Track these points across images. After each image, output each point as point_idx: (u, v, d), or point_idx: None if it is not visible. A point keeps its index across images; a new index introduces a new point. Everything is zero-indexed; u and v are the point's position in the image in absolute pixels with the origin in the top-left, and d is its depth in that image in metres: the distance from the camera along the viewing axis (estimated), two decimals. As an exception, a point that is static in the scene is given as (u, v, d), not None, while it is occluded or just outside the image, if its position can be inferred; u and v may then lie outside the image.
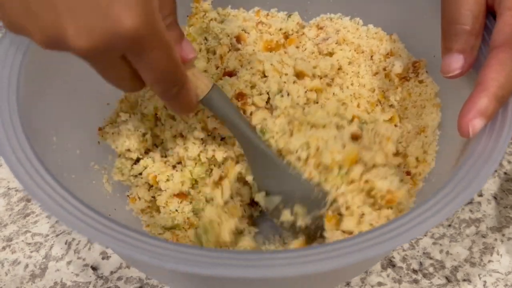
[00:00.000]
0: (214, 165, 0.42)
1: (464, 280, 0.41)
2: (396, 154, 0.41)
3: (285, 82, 0.42)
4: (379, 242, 0.26)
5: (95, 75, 0.33)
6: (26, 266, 0.42)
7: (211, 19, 0.48)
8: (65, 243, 0.44)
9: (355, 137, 0.39)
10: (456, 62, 0.32)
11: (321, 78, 0.44)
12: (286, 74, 0.42)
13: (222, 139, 0.42)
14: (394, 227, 0.26)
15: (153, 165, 0.42)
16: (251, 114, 0.40)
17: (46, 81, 0.37)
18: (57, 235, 0.44)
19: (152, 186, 0.43)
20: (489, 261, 0.42)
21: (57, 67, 0.38)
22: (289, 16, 0.50)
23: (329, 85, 0.45)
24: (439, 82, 0.43)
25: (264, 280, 0.27)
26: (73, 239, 0.44)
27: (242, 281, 0.29)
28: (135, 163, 0.43)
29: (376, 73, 0.46)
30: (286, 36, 0.49)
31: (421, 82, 0.44)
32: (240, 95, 0.41)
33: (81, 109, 0.42)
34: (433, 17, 0.36)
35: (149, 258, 0.25)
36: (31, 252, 0.43)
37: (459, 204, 0.27)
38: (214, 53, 0.46)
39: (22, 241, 0.44)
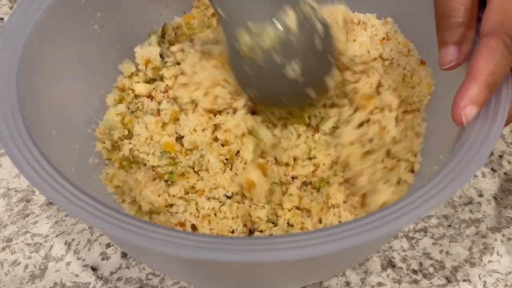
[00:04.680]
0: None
1: (464, 280, 0.41)
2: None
3: None
4: (371, 229, 0.26)
5: (94, 71, 0.33)
6: (26, 266, 0.42)
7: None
8: (65, 244, 0.44)
9: None
10: (452, 54, 0.33)
11: None
12: None
13: None
14: (384, 215, 0.26)
15: None
16: None
17: (45, 75, 0.37)
18: (56, 236, 0.44)
19: None
20: (489, 261, 0.42)
21: (57, 62, 0.39)
22: None
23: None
24: (435, 75, 0.44)
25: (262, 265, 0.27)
26: (73, 239, 0.44)
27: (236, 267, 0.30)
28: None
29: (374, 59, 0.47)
30: None
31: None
32: None
33: (80, 105, 0.42)
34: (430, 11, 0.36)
35: (160, 247, 0.25)
36: (31, 252, 0.43)
37: (450, 193, 0.27)
38: None
39: (22, 241, 0.44)
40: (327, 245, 0.25)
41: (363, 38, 0.47)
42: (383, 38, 0.47)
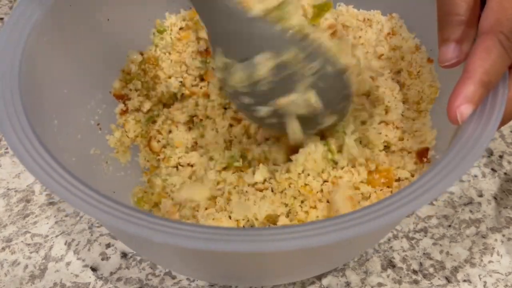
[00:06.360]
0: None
1: (464, 280, 0.41)
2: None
3: None
4: (361, 223, 0.26)
5: (98, 62, 0.35)
6: (26, 266, 0.42)
7: None
8: (65, 244, 0.44)
9: None
10: (453, 52, 0.33)
11: None
12: None
13: None
14: (367, 212, 0.26)
15: None
16: None
17: (48, 65, 0.37)
18: (56, 236, 0.44)
19: None
20: (489, 261, 0.42)
21: (61, 52, 0.39)
22: None
23: None
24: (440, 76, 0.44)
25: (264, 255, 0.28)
26: (73, 239, 0.44)
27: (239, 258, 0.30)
28: None
29: (381, 55, 0.47)
30: None
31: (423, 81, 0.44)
32: None
33: (84, 95, 0.42)
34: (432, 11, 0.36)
35: (163, 238, 0.25)
36: (31, 252, 0.43)
37: (441, 189, 0.27)
38: None
39: (22, 241, 0.44)
40: (323, 236, 0.25)
41: (369, 35, 0.47)
42: (388, 34, 0.47)
